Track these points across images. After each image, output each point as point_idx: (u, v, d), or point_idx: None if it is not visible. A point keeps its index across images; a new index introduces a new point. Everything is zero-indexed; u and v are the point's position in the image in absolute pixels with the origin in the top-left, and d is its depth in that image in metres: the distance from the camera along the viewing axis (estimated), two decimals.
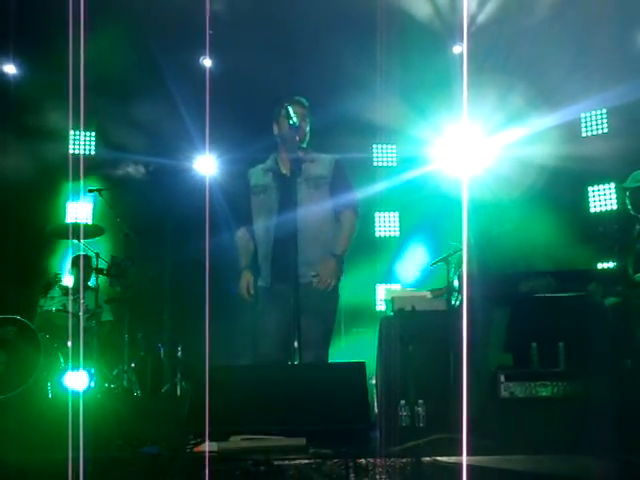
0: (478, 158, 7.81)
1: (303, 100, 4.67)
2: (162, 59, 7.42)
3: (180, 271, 7.55)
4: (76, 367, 6.14)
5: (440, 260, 5.87)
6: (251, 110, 7.54)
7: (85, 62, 7.26)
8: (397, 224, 8.55)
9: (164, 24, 7.38)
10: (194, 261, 5.80)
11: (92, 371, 6.21)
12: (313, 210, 4.42)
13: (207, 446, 3.17)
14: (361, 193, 4.94)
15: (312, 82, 7.17)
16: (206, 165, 7.98)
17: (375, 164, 8.52)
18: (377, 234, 8.52)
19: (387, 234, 8.57)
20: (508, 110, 7.61)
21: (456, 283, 5.29)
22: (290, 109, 4.25)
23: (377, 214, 8.51)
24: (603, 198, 7.71)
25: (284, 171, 4.46)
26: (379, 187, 7.65)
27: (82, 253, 6.85)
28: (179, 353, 6.68)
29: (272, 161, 4.65)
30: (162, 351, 6.93)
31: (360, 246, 4.77)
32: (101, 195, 6.88)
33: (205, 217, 5.99)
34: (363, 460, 2.86)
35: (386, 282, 8.32)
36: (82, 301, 6.48)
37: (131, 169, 7.72)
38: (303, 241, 4.33)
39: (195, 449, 3.26)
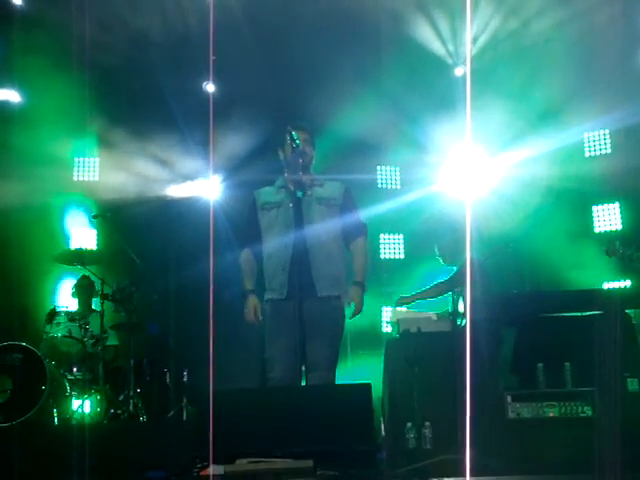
0: (482, 179, 7.83)
1: (306, 125, 4.77)
2: (166, 85, 7.47)
3: (184, 295, 7.58)
4: (82, 394, 6.18)
5: (446, 281, 6.01)
6: (255, 134, 7.61)
7: (89, 88, 7.46)
8: (402, 246, 8.55)
9: (166, 50, 7.50)
10: (198, 285, 5.86)
11: (98, 397, 6.25)
12: (325, 228, 4.53)
13: (213, 469, 3.21)
14: (366, 214, 4.99)
15: (316, 105, 7.20)
16: (210, 189, 8.04)
17: (379, 186, 8.55)
18: (382, 256, 8.52)
19: (392, 256, 8.57)
20: (512, 131, 7.63)
21: (461, 305, 5.33)
22: (294, 134, 4.35)
23: (382, 236, 8.53)
24: (608, 217, 7.71)
25: (294, 190, 4.54)
26: (384, 209, 7.60)
27: (85, 276, 6.90)
28: (185, 378, 6.67)
29: (281, 181, 4.74)
30: (168, 376, 6.94)
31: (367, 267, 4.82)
32: (105, 220, 6.95)
33: (209, 241, 6.02)
34: None
35: (391, 304, 8.31)
36: (87, 326, 6.53)
37: (135, 194, 7.76)
38: (318, 257, 4.46)
39: (201, 473, 3.29)
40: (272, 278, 4.56)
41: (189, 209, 7.85)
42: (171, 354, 7.26)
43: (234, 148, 7.80)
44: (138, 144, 7.72)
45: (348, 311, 4.61)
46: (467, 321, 4.52)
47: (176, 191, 8.02)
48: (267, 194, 4.72)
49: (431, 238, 6.63)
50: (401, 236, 8.57)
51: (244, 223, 4.81)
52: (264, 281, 4.66)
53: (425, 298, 6.09)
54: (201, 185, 8.09)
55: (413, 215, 8.11)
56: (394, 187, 8.56)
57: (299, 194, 4.36)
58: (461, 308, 5.26)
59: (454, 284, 5.75)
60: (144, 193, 7.82)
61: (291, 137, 4.36)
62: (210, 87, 7.86)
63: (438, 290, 6.05)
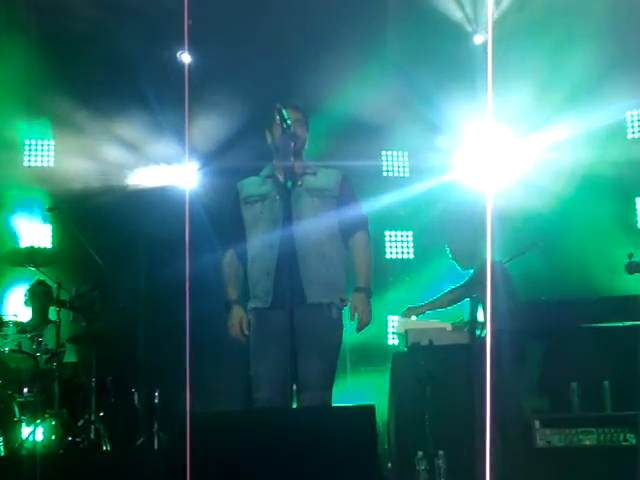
0: (505, 166, 7.87)
1: (299, 102, 4.77)
2: (133, 55, 7.50)
3: (156, 303, 7.53)
4: (34, 418, 6.11)
5: (461, 286, 6.07)
6: (239, 113, 7.66)
7: (42, 59, 7.44)
8: (411, 245, 8.58)
9: (133, 13, 7.50)
10: (173, 291, 5.75)
11: (53, 423, 6.17)
12: (318, 224, 4.52)
13: None
14: (368, 208, 4.98)
15: (310, 79, 7.25)
16: (186, 177, 8.06)
17: (385, 174, 8.58)
18: (388, 256, 8.54)
19: (399, 256, 8.61)
20: (540, 109, 7.64)
21: (480, 314, 5.33)
22: (284, 112, 4.30)
23: (387, 233, 8.54)
24: None
25: (282, 180, 4.53)
26: (389, 201, 7.65)
27: (41, 281, 6.91)
28: (156, 399, 6.66)
29: (268, 170, 4.74)
30: (136, 397, 6.91)
31: None
32: (61, 214, 6.94)
33: (185, 239, 6.02)
34: None
35: (398, 312, 8.32)
36: (40, 339, 6.51)
37: (97, 182, 7.75)
38: (309, 258, 4.47)
39: None
40: (256, 284, 4.58)
41: (161, 200, 7.83)
42: (140, 371, 7.22)
43: (214, 129, 7.83)
44: (101, 124, 7.74)
45: (351, 322, 4.61)
46: (488, 332, 4.45)
47: (146, 179, 8.05)
48: (251, 185, 4.75)
49: (444, 235, 6.69)
50: (410, 233, 8.58)
51: (227, 220, 4.85)
52: (248, 288, 4.70)
53: (438, 307, 6.16)
54: (175, 172, 8.11)
55: (424, 208, 8.14)
56: (401, 175, 8.58)
57: (288, 184, 4.35)
58: (481, 317, 5.29)
59: (471, 290, 5.79)
60: (108, 181, 7.85)
61: (281, 116, 4.30)
62: (186, 57, 7.79)
63: (453, 297, 6.13)
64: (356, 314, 4.52)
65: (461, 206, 7.29)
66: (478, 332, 4.88)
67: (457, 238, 6.39)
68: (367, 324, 4.56)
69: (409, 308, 6.16)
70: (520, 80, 7.34)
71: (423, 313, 6.08)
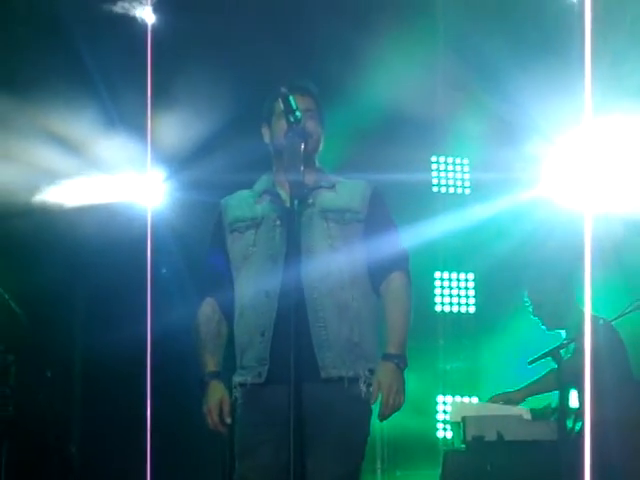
0: (612, 180, 7.77)
1: (312, 86, 4.81)
2: (73, 16, 7.57)
3: (100, 372, 7.50)
4: None
5: (546, 355, 6.00)
6: (224, 104, 7.76)
7: None
8: (472, 293, 8.67)
9: None
10: (124, 354, 5.95)
11: None
12: (337, 260, 4.56)
13: None
14: (410, 238, 5.02)
15: (327, 60, 7.43)
16: (147, 192, 8.08)
17: (434, 189, 8.65)
18: (438, 309, 8.60)
19: (455, 309, 8.66)
20: None
21: (574, 396, 5.36)
22: (291, 100, 4.26)
23: (438, 275, 8.59)
24: None
25: (286, 198, 4.57)
26: (441, 228, 7.78)
27: None
28: None
29: (265, 183, 4.79)
30: None
31: (411, 328, 4.73)
32: None
33: (145, 281, 6.06)
34: None
35: (453, 392, 8.44)
36: None
37: (21, 198, 7.76)
38: (323, 310, 4.49)
39: None
40: (245, 348, 4.59)
41: (111, 225, 7.80)
42: (73, 473, 7.23)
43: (188, 125, 7.93)
44: (27, 117, 7.73)
45: (375, 406, 4.55)
46: (586, 424, 4.49)
47: (91, 194, 8.08)
48: (241, 204, 4.79)
49: (522, 280, 6.69)
50: (471, 275, 8.67)
51: (205, 254, 4.89)
52: (234, 353, 4.71)
53: (544, 392, 6.14)
54: (133, 184, 8.15)
55: (491, 240, 8.20)
56: (459, 192, 8.70)
57: (294, 204, 4.25)
58: (574, 402, 5.29)
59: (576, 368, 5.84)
60: (36, 197, 7.85)
61: (286, 105, 4.24)
62: (148, 15, 7.81)
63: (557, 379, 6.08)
64: (379, 393, 4.50)
65: (548, 238, 7.40)
66: (570, 424, 4.91)
67: (542, 284, 6.45)
68: (397, 409, 4.54)
69: (500, 395, 6.20)
70: (633, 54, 7.34)
71: (522, 401, 6.09)
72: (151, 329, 5.08)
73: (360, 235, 4.66)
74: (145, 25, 7.80)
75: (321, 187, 4.69)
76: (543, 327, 6.44)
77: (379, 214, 4.75)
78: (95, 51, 7.66)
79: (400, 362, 4.53)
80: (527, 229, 7.94)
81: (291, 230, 4.38)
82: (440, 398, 8.20)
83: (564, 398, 5.13)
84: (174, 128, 7.94)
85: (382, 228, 4.73)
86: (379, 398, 4.47)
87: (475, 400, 7.95)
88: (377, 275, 4.68)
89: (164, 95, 7.57)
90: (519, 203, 8.02)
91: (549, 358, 6.01)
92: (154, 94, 7.23)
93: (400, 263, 4.73)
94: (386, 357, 4.54)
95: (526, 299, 6.52)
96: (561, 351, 5.90)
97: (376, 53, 7.58)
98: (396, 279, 4.67)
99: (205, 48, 7.92)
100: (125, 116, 7.89)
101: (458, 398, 8.34)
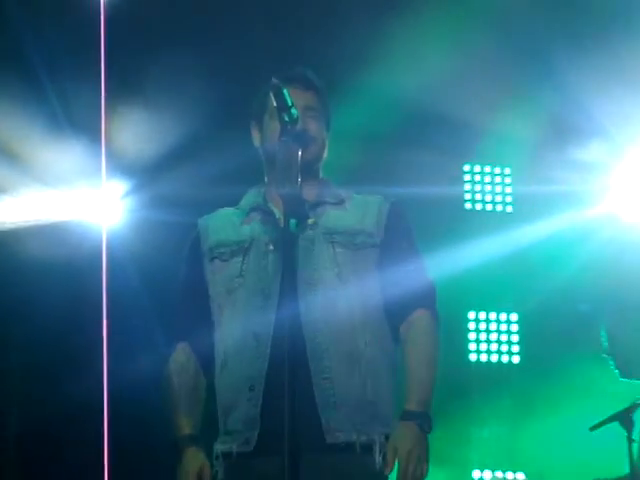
0: None
1: (313, 77, 4.80)
2: None
3: (38, 442, 7.35)
4: None
5: (612, 419, 6.29)
6: (200, 99, 7.74)
7: None
8: (516, 337, 8.69)
9: None
10: (72, 422, 5.97)
11: None
12: (346, 296, 4.51)
13: None
14: (438, 268, 5.01)
15: (334, 44, 7.47)
16: (102, 209, 7.92)
17: (467, 206, 8.78)
18: (472, 357, 8.69)
19: (493, 358, 8.73)
20: None
21: None
22: (286, 94, 4.15)
23: (472, 315, 8.68)
24: None
25: (280, 216, 4.43)
26: (477, 255, 7.72)
27: None
28: None
29: (254, 198, 4.80)
30: None
31: (438, 382, 4.72)
32: None
33: (100, 320, 5.77)
34: None
35: (492, 466, 8.39)
36: None
37: None
38: (328, 359, 4.45)
39: None
40: (230, 408, 4.53)
41: (58, 247, 7.60)
42: None
43: (155, 126, 7.88)
44: None
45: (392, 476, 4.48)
46: None
47: (33, 212, 8.02)
48: (223, 225, 4.81)
49: (587, 318, 6.74)
50: (514, 316, 8.72)
51: (177, 287, 4.90)
52: (216, 413, 4.65)
53: None
54: (84, 200, 8.10)
55: (541, 270, 8.25)
56: (499, 209, 8.86)
57: (291, 224, 4.19)
58: None
59: None
60: None
61: (279, 101, 4.11)
62: None
63: None
64: (396, 460, 4.42)
65: (617, 263, 7.46)
66: None
67: (626, 317, 6.49)
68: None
69: None
70: None
71: None
72: (107, 382, 4.83)
73: (375, 263, 4.66)
74: (97, 3, 7.74)
75: (326, 203, 4.70)
76: (616, 371, 6.53)
77: (399, 237, 4.75)
78: (38, 41, 7.61)
79: (424, 423, 4.48)
80: (588, 254, 8.03)
81: (287, 257, 4.29)
82: (476, 474, 8.17)
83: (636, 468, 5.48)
84: (136, 132, 7.96)
85: (402, 255, 4.72)
86: (395, 468, 4.46)
87: (521, 477, 7.89)
88: (396, 314, 4.66)
89: (123, 92, 7.66)
90: (577, 222, 8.17)
91: (616, 422, 6.27)
92: (110, 91, 7.31)
93: (425, 299, 4.69)
94: (406, 416, 4.48)
95: (602, 333, 6.55)
96: (634, 413, 6.17)
97: (396, 35, 7.58)
98: (420, 319, 4.65)
99: (175, 31, 7.89)
100: (76, 119, 7.81)
101: (499, 474, 8.31)
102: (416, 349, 4.59)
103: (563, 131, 8.15)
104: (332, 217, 4.62)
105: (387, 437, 4.45)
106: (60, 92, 7.71)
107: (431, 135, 7.99)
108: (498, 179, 8.76)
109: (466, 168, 8.71)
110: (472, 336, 8.61)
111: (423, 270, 4.71)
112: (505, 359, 8.62)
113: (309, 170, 4.46)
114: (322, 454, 4.34)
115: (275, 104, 4.10)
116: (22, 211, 8.06)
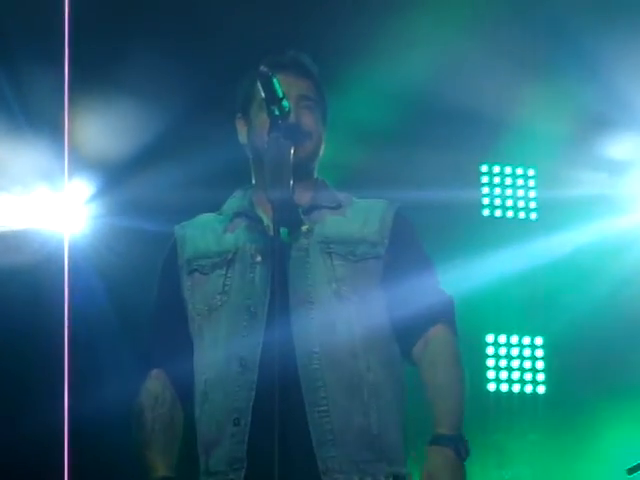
0: None
1: (309, 63, 4.81)
2: None
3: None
4: None
5: None
6: (180, 88, 7.93)
7: None
8: (541, 364, 8.76)
9: None
10: (24, 451, 6.05)
11: None
12: (346, 315, 4.46)
13: None
14: (452, 285, 4.86)
15: (334, 27, 7.63)
16: (65, 216, 8.10)
17: (486, 212, 8.91)
18: (490, 387, 8.77)
19: (515, 388, 8.78)
20: None
21: None
22: (275, 82, 4.14)
23: (491, 339, 8.79)
24: None
25: (269, 223, 4.47)
26: (495, 270, 7.81)
27: None
28: None
29: (239, 202, 4.79)
30: None
31: None
32: None
33: (61, 342, 5.80)
34: None
35: None
36: None
37: None
38: (324, 388, 4.38)
39: None
40: (212, 444, 4.46)
41: (13, 260, 7.82)
42: None
43: (123, 124, 8.03)
44: None
45: None
46: None
47: None
48: (204, 233, 4.77)
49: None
50: (539, 340, 8.82)
51: (152, 304, 4.84)
52: (196, 451, 4.58)
53: None
54: (43, 205, 8.16)
55: (569, 286, 8.37)
56: (521, 216, 8.99)
57: (282, 233, 4.30)
58: None
59: None
60: None
61: (268, 92, 4.10)
62: None
63: None
64: None
65: None
66: None
67: None
68: None
69: None
70: None
71: None
72: (69, 411, 4.88)
73: (378, 277, 4.62)
74: None
75: (322, 207, 4.67)
76: None
77: (406, 246, 4.72)
78: None
79: (460, 447, 4.39)
80: (624, 268, 8.33)
81: (277, 270, 4.26)
82: None
83: None
84: (103, 129, 8.13)
85: (412, 266, 4.67)
86: None
87: None
88: (408, 333, 4.61)
89: (89, 83, 7.73)
90: (610, 231, 8.32)
91: None
92: (75, 82, 7.39)
93: (442, 314, 4.63)
94: (438, 440, 4.38)
95: None
96: None
97: (404, 18, 7.64)
98: (438, 334, 4.58)
99: (149, 12, 8.00)
100: (35, 114, 7.97)
101: None
102: (439, 367, 4.54)
103: (594, 127, 8.26)
104: (329, 224, 4.59)
105: (396, 477, 4.43)
106: (16, 83, 7.82)
107: (443, 131, 8.12)
108: (520, 182, 8.86)
109: (484, 169, 8.83)
110: (491, 363, 8.69)
111: (436, 282, 4.69)
112: (529, 389, 8.69)
113: (303, 170, 4.48)
114: None
115: (263, 95, 4.11)
116: None
